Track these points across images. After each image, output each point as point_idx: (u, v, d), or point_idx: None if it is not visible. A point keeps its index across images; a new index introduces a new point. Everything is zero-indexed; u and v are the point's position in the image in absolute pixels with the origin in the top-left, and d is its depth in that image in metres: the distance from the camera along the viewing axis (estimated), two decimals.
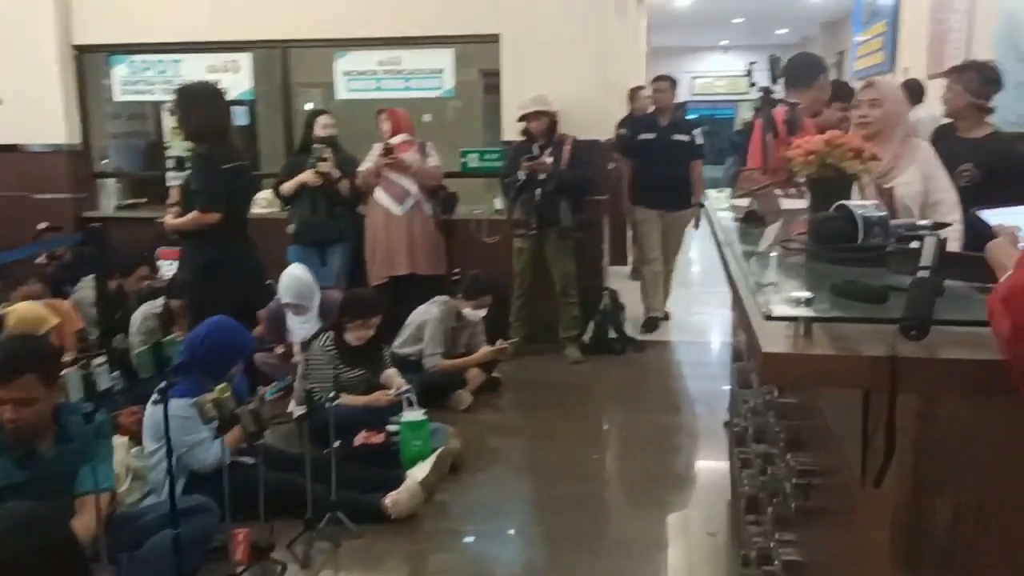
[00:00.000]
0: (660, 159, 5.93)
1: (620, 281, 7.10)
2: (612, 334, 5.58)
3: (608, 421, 4.60)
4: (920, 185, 2.83)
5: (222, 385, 2.68)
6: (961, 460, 1.13)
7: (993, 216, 1.31)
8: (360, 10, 5.79)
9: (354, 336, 4.13)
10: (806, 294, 1.27)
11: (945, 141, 3.79)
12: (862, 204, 1.60)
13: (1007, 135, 4.11)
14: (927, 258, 1.22)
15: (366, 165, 5.48)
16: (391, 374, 4.26)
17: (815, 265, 1.65)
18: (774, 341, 1.23)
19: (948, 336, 1.13)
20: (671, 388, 5.05)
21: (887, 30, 9.84)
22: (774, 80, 3.29)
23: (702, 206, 5.01)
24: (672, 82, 6.25)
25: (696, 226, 6.24)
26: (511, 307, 5.47)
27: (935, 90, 5.38)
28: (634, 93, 7.87)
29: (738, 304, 1.51)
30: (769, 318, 1.23)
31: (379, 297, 4.65)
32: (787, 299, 1.29)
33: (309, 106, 6.75)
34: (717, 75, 18.55)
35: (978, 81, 3.78)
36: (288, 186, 5.37)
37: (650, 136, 6.03)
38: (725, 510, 3.37)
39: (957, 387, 1.11)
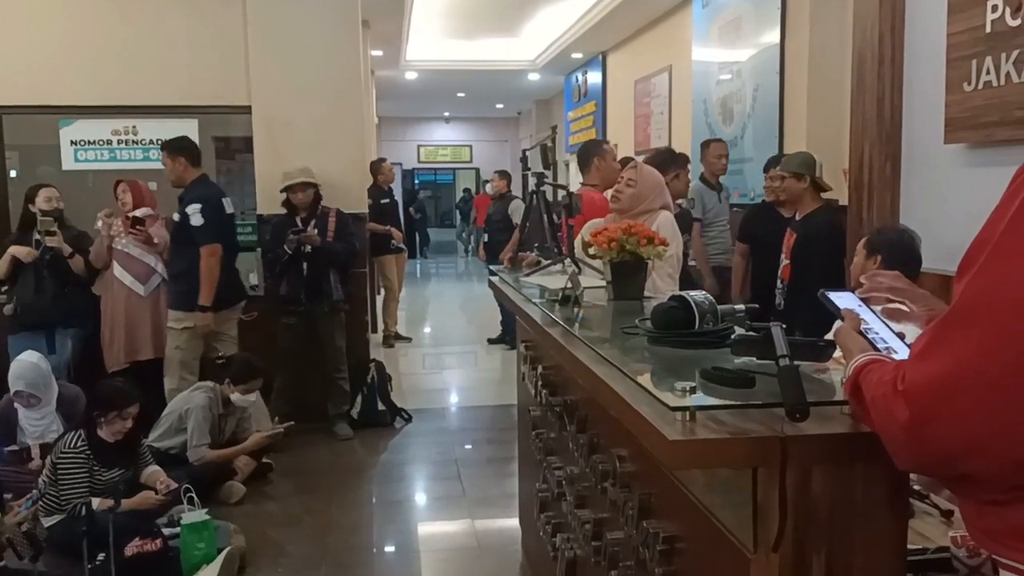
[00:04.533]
0: None
1: (380, 350, 7.10)
2: (380, 406, 5.56)
3: (387, 498, 4.54)
4: None
5: None
6: (830, 522, 1.32)
7: (838, 299, 1.48)
8: (90, 77, 5.37)
9: (110, 431, 3.76)
10: (689, 383, 1.42)
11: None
12: (694, 294, 1.81)
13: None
14: (781, 347, 1.41)
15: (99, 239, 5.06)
16: (155, 471, 3.94)
17: (657, 348, 1.84)
18: (662, 426, 1.37)
19: (813, 414, 1.33)
20: (445, 456, 5.11)
21: (597, 109, 10.92)
22: (546, 167, 3.56)
23: (204, 309, 4.69)
24: (173, 147, 4.83)
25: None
26: (273, 387, 5.26)
27: None
28: (378, 165, 7.98)
29: (608, 393, 1.63)
30: (674, 409, 1.36)
31: (134, 385, 4.27)
32: (674, 389, 1.43)
33: (13, 175, 6.07)
34: (440, 144, 19.36)
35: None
36: (2, 266, 4.85)
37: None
38: (519, 572, 3.51)
39: (828, 459, 1.31)
